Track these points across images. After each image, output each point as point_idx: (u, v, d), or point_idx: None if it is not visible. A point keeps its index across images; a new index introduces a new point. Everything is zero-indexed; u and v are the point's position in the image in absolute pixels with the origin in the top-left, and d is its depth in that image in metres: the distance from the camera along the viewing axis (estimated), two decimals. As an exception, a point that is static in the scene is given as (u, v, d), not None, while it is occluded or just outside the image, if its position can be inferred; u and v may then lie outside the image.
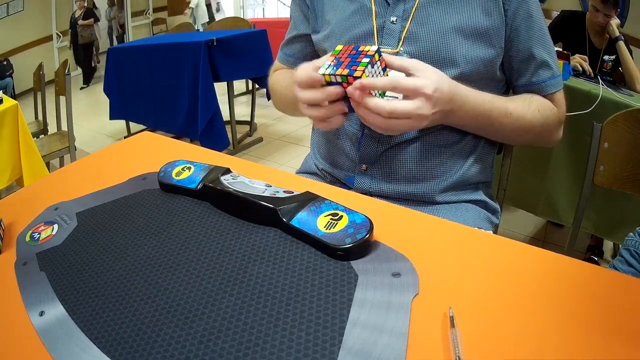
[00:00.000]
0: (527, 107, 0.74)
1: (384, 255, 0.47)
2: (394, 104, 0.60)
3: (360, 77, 0.58)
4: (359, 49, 0.62)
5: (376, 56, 0.61)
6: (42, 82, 2.50)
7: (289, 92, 0.83)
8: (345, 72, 0.59)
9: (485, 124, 0.72)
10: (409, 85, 0.61)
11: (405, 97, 0.62)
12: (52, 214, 0.62)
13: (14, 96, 5.10)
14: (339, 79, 0.60)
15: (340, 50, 0.63)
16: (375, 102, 0.60)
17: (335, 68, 0.61)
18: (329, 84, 0.62)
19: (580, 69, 1.79)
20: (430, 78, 0.62)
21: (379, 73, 0.62)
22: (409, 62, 0.63)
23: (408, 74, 0.63)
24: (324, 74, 0.61)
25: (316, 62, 0.66)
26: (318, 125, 0.69)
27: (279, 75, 0.91)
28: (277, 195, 0.54)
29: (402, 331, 0.38)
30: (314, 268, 0.46)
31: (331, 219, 0.49)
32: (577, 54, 1.90)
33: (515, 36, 0.72)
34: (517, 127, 0.73)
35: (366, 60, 0.60)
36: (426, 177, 0.76)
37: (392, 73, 0.64)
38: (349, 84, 0.60)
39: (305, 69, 0.65)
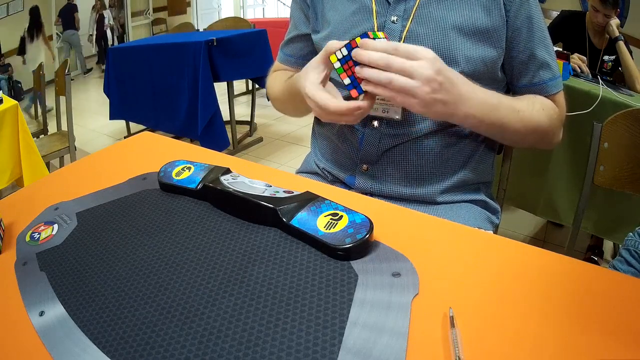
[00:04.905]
0: (532, 106, 0.73)
1: (384, 255, 0.47)
2: (391, 57, 0.59)
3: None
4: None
5: (382, 33, 0.62)
6: (42, 82, 2.50)
7: (286, 92, 0.83)
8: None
9: (495, 121, 0.69)
10: (408, 48, 0.59)
11: None
12: (52, 214, 0.61)
13: (14, 96, 5.10)
14: (344, 52, 0.61)
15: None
16: (373, 54, 0.59)
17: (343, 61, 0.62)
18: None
19: (579, 69, 1.79)
20: (432, 52, 0.61)
21: None
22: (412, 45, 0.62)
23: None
24: (333, 56, 0.62)
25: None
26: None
27: (277, 76, 0.91)
28: (277, 195, 0.54)
29: (402, 331, 0.38)
30: (314, 268, 0.46)
31: (331, 219, 0.49)
32: (575, 54, 1.89)
33: (516, 37, 0.72)
34: (523, 126, 0.72)
35: (380, 33, 0.61)
36: (427, 177, 0.76)
37: None
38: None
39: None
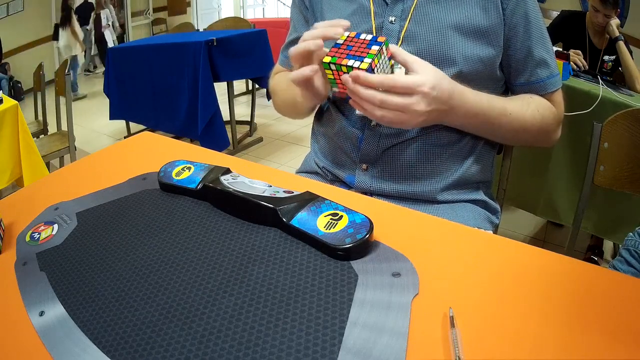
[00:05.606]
0: (526, 107, 0.74)
1: (384, 255, 0.47)
2: (385, 96, 0.60)
3: (371, 64, 0.59)
4: (361, 37, 0.63)
5: (385, 44, 0.62)
6: (42, 82, 2.50)
7: (289, 94, 0.84)
8: (351, 62, 0.60)
9: (484, 123, 0.72)
10: (406, 84, 0.60)
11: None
12: (52, 214, 0.62)
13: (14, 97, 5.14)
14: (343, 69, 0.61)
15: (346, 39, 0.64)
16: (368, 92, 0.60)
17: (343, 57, 0.61)
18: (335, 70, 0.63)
19: (575, 66, 1.79)
20: (429, 75, 0.62)
21: (385, 62, 0.62)
22: (411, 57, 0.63)
23: (407, 71, 0.63)
24: (330, 62, 0.62)
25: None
26: (298, 83, 0.68)
27: (279, 78, 0.92)
28: (277, 195, 0.54)
29: (402, 331, 0.38)
30: (314, 268, 0.46)
31: (331, 219, 0.49)
32: (571, 50, 1.89)
33: (513, 35, 0.72)
34: (515, 127, 0.73)
35: (376, 48, 0.60)
36: (426, 176, 0.77)
37: (396, 68, 0.65)
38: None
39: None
